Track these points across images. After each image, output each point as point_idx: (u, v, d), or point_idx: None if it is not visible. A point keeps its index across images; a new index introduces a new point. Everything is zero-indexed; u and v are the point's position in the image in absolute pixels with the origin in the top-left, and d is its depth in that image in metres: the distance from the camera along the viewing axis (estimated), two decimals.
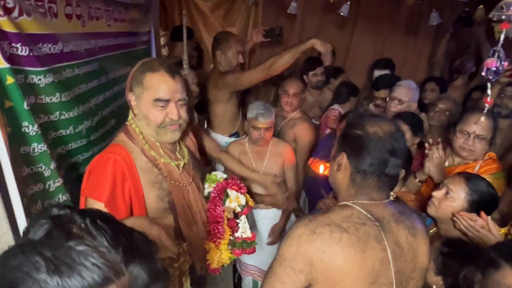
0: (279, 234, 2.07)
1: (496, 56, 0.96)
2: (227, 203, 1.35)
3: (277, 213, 2.09)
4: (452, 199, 1.29)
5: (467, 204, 1.27)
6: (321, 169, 1.88)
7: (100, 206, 1.07)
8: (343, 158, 0.92)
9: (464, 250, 1.08)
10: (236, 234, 1.39)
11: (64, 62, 1.24)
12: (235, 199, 1.36)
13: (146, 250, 0.49)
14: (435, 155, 1.59)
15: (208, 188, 1.39)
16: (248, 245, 1.40)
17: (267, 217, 2.09)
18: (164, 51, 3.06)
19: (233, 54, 2.25)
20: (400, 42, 3.64)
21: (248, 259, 2.12)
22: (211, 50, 2.39)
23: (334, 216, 0.86)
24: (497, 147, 2.18)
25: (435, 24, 2.68)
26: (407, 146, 1.88)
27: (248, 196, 1.44)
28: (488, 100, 1.19)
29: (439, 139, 1.71)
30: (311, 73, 2.78)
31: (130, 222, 0.89)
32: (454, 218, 1.25)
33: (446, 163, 1.69)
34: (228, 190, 1.36)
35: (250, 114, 1.92)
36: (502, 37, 0.93)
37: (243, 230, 1.39)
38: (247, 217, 2.10)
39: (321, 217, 0.86)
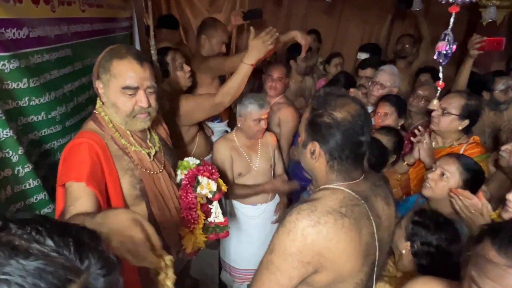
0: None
1: (446, 40, 0.97)
2: (198, 189, 1.36)
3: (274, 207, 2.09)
4: (448, 179, 1.36)
5: (462, 182, 1.35)
6: None
7: (80, 186, 1.03)
8: (316, 147, 0.91)
9: (433, 221, 1.17)
10: (209, 219, 1.40)
11: (30, 47, 1.23)
12: (206, 186, 1.36)
13: (94, 242, 0.47)
14: (425, 141, 1.68)
15: (180, 175, 1.39)
16: (221, 230, 1.42)
17: (267, 210, 2.06)
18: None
19: (218, 42, 2.26)
20: (390, 29, 3.62)
21: (247, 265, 2.02)
22: (196, 33, 2.39)
23: (330, 201, 0.87)
24: (487, 137, 2.26)
25: (417, 9, 2.67)
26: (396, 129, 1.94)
27: (221, 181, 1.45)
28: (440, 84, 1.21)
29: (421, 129, 1.79)
30: (300, 57, 2.78)
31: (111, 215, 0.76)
32: (451, 194, 1.32)
33: (434, 144, 1.79)
34: (199, 177, 1.36)
35: (248, 108, 1.84)
36: (452, 21, 0.94)
37: (216, 215, 1.41)
38: (225, 203, 2.10)
39: (319, 205, 0.85)
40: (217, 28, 2.28)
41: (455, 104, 1.66)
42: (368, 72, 2.42)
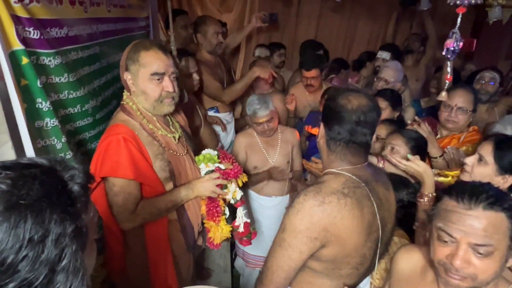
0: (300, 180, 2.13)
1: (454, 38, 1.06)
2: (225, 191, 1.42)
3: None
4: (397, 151, 1.57)
5: (410, 150, 1.54)
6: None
7: (127, 182, 1.22)
8: (322, 127, 1.05)
9: (399, 182, 1.40)
10: (239, 230, 1.49)
11: (69, 45, 1.35)
12: (232, 193, 1.43)
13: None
14: (422, 131, 1.74)
15: (205, 168, 1.44)
16: (248, 237, 1.52)
17: (282, 203, 2.10)
18: (164, 37, 3.15)
19: (212, 34, 2.39)
20: (396, 27, 3.69)
21: (257, 251, 2.09)
22: (194, 36, 2.51)
23: (333, 184, 0.96)
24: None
25: (425, 8, 2.74)
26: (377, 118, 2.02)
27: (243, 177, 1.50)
28: (448, 77, 1.30)
29: (416, 118, 1.86)
30: (276, 53, 3.14)
31: None
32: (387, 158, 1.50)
33: (438, 135, 1.88)
34: (230, 184, 1.42)
35: (248, 112, 1.92)
36: (459, 21, 1.03)
37: (238, 222, 1.50)
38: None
39: (323, 187, 0.96)
40: (206, 22, 2.41)
41: (469, 100, 1.72)
42: (314, 72, 2.40)
